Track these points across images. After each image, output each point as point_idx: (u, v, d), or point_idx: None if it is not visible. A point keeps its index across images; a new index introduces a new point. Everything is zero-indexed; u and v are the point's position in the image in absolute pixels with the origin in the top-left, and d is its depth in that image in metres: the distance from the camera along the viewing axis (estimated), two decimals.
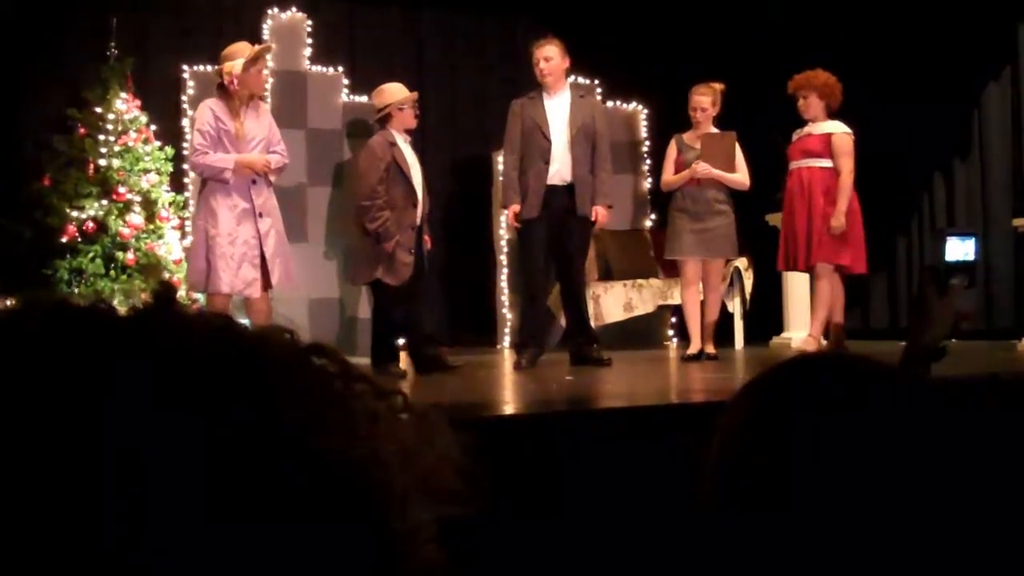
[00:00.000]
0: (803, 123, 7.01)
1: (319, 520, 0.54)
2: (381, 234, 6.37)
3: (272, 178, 6.29)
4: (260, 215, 6.10)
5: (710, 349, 7.13)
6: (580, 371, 6.17)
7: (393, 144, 6.51)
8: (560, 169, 6.53)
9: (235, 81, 6.08)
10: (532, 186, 6.50)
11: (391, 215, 6.39)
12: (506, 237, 8.93)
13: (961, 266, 2.08)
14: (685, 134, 7.32)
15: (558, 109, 6.60)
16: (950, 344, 2.00)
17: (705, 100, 7.18)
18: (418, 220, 6.52)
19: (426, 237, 6.74)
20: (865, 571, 0.82)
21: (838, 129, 6.86)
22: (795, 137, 7.00)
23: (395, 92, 6.74)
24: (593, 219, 6.60)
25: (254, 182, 6.12)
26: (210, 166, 6.03)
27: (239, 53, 6.12)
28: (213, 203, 6.03)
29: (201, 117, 6.14)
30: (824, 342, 6.86)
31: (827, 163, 6.82)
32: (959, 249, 2.09)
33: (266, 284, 6.11)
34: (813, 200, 6.77)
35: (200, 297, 6.68)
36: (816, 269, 6.84)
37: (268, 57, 8.58)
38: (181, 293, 6.63)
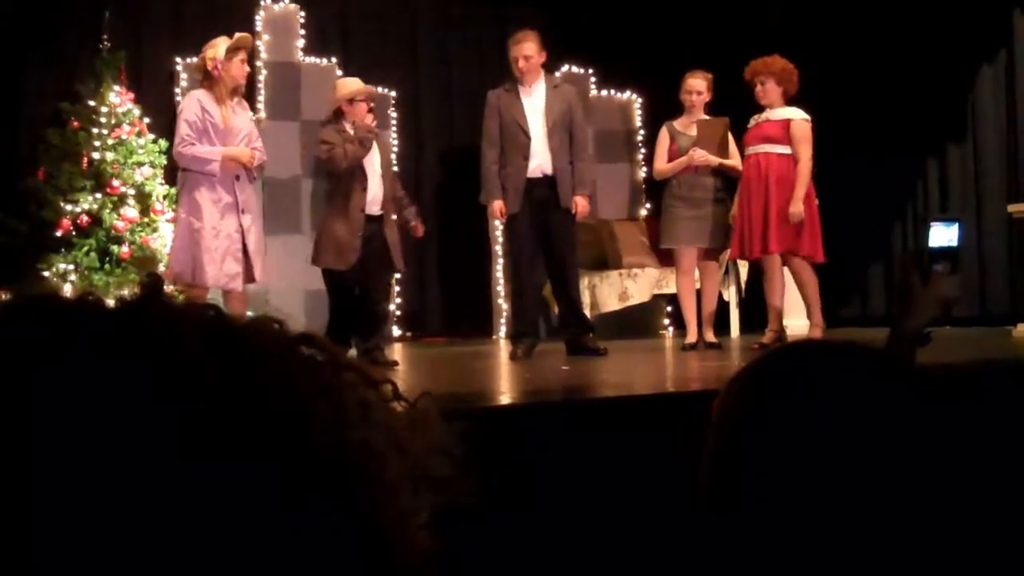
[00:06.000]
0: (760, 109, 6.93)
1: (310, 508, 0.54)
2: (331, 157, 6.49)
3: (256, 174, 6.25)
4: (243, 211, 6.03)
5: (711, 337, 7.10)
6: (576, 361, 6.17)
7: (342, 132, 6.58)
8: (541, 163, 6.52)
9: (219, 67, 5.98)
10: (512, 181, 6.49)
11: (340, 201, 6.53)
12: (500, 227, 8.93)
13: (944, 252, 2.08)
14: (676, 121, 7.29)
15: (535, 102, 6.58)
16: (940, 330, 2.00)
17: (700, 84, 7.15)
18: (367, 205, 6.55)
19: (415, 223, 6.84)
20: (855, 555, 0.83)
21: (797, 115, 6.75)
22: (752, 123, 6.93)
23: (342, 86, 6.81)
24: (573, 210, 6.59)
25: (238, 177, 6.04)
26: (197, 158, 5.94)
27: (219, 43, 6.07)
28: (197, 196, 5.94)
29: (188, 107, 6.04)
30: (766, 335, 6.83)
31: (785, 149, 6.69)
32: (943, 235, 2.09)
33: (248, 278, 6.08)
34: (769, 187, 6.67)
35: None
36: (791, 264, 6.78)
37: (257, 49, 8.59)
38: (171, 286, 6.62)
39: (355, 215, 6.49)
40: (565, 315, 6.75)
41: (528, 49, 6.53)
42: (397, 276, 8.91)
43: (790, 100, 6.82)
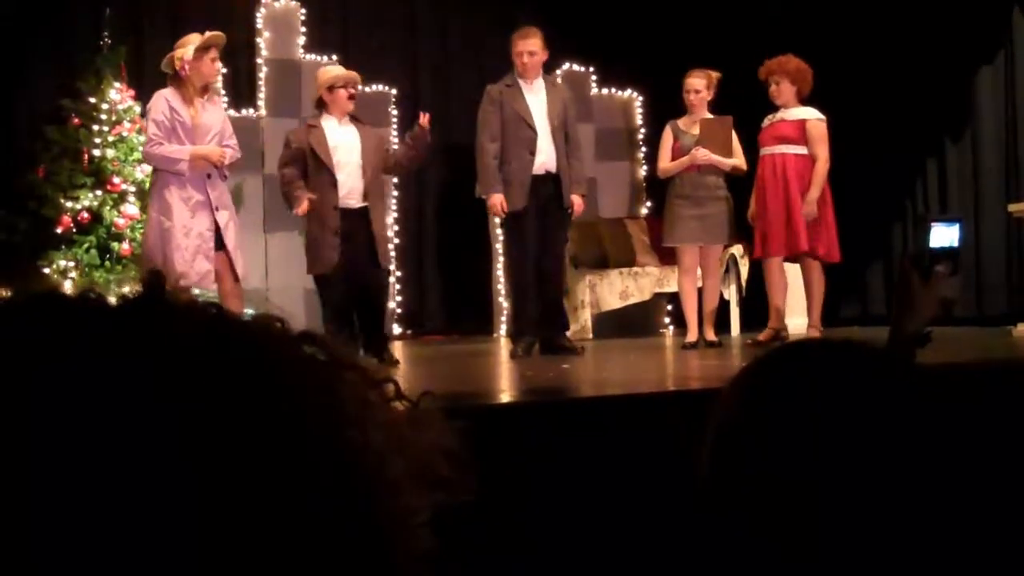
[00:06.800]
0: (773, 108, 6.95)
1: (310, 507, 0.54)
2: (287, 194, 6.39)
3: (227, 172, 6.18)
4: (217, 208, 6.01)
5: (711, 336, 7.11)
6: (576, 360, 6.17)
7: (313, 127, 6.47)
8: (545, 160, 6.53)
9: (186, 67, 5.97)
10: (517, 177, 6.47)
11: (304, 191, 6.36)
12: (499, 222, 8.94)
13: (945, 253, 2.07)
14: (680, 120, 7.31)
15: (537, 99, 6.60)
16: (940, 330, 2.00)
17: (699, 83, 7.16)
18: (341, 200, 6.39)
19: (418, 127, 6.68)
20: (856, 555, 0.83)
21: (812, 115, 6.78)
22: (766, 123, 6.94)
23: (322, 75, 6.67)
24: (570, 209, 6.61)
25: (209, 176, 6.01)
26: (165, 157, 5.94)
27: (190, 42, 6.06)
28: (167, 195, 5.94)
29: (156, 107, 6.02)
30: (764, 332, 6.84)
31: (801, 150, 6.72)
32: (943, 236, 2.09)
33: (234, 275, 6.06)
34: (788, 187, 6.68)
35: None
36: (804, 263, 6.81)
37: (258, 46, 8.60)
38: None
39: (327, 213, 6.35)
40: (546, 314, 6.69)
41: (534, 45, 6.55)
42: (398, 273, 8.93)
43: (804, 100, 6.84)
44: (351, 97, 6.50)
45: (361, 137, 6.53)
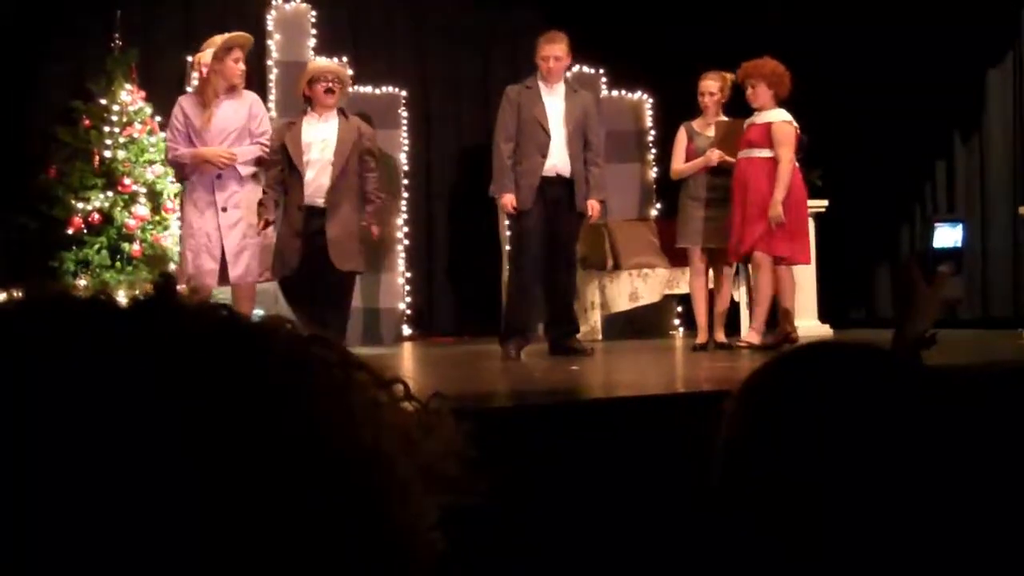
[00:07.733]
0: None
1: (320, 509, 0.54)
2: (259, 203, 6.33)
3: (244, 171, 6.18)
4: (224, 209, 6.07)
5: (721, 337, 7.11)
6: (585, 361, 6.17)
7: (292, 124, 6.45)
8: (556, 163, 6.55)
9: (203, 71, 6.11)
10: (526, 178, 6.50)
11: (286, 199, 6.35)
12: (508, 222, 8.93)
13: (949, 253, 2.05)
14: (694, 122, 7.33)
15: (556, 103, 6.62)
16: (946, 333, 1.98)
17: (713, 85, 7.17)
18: (308, 197, 6.30)
19: (371, 226, 6.49)
20: (863, 557, 0.83)
21: (778, 118, 6.72)
22: (745, 126, 6.94)
23: (305, 72, 6.60)
24: (588, 214, 6.63)
25: (219, 176, 6.07)
26: (175, 162, 6.26)
27: (212, 44, 6.12)
28: (184, 196, 6.26)
29: (173, 114, 6.28)
30: (773, 335, 6.78)
31: (765, 153, 6.68)
32: (947, 236, 2.07)
33: (222, 278, 6.10)
34: (748, 190, 6.67)
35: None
36: (754, 260, 6.75)
37: (269, 49, 8.61)
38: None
39: (293, 213, 6.32)
40: (556, 315, 6.71)
41: (559, 50, 6.59)
42: (408, 275, 8.92)
43: (783, 102, 6.81)
44: (328, 91, 6.38)
45: (339, 133, 6.42)
